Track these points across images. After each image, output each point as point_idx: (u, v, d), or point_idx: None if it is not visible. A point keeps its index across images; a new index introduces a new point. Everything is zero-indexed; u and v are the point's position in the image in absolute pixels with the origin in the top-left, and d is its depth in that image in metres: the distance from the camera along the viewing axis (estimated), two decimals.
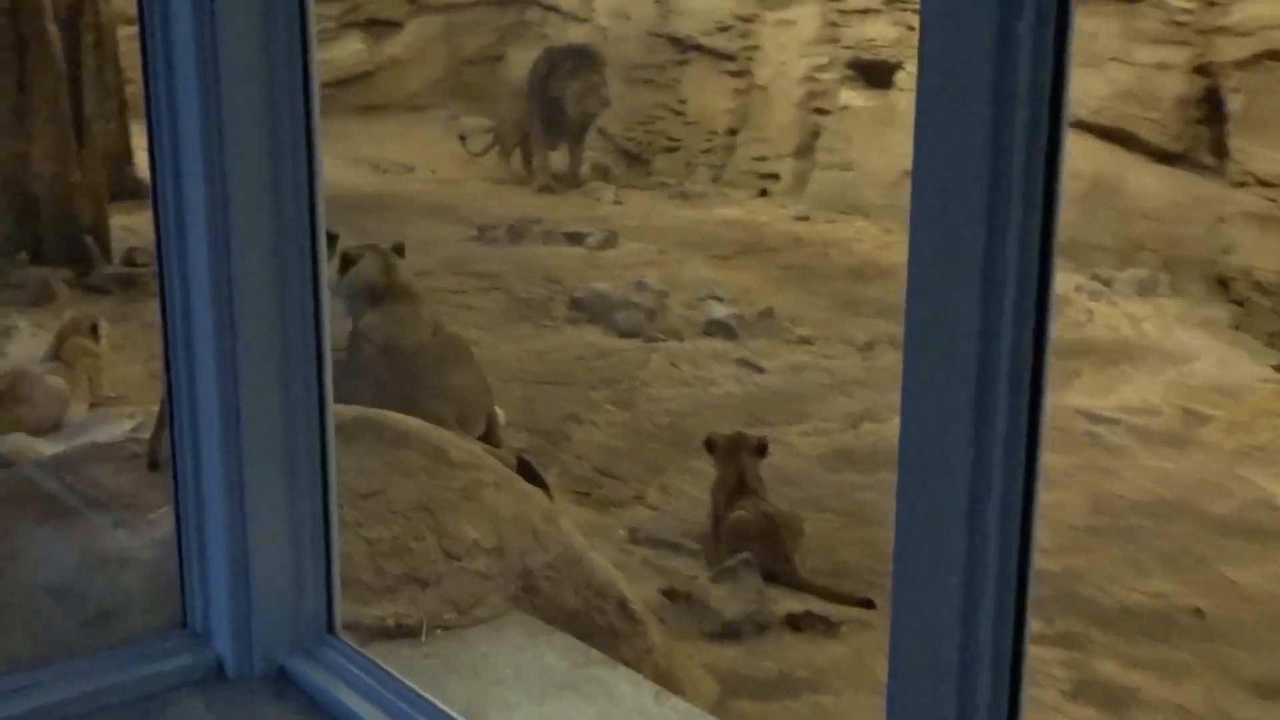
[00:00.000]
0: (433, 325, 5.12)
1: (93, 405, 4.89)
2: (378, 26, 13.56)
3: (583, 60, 10.35)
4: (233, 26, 2.07)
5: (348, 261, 5.47)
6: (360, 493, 2.88)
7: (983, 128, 1.23)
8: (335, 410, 3.40)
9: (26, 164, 6.97)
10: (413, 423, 3.34)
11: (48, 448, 3.82)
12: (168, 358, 2.32)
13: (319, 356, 2.28)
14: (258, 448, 2.25)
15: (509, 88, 11.60)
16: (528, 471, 3.95)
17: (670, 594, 3.95)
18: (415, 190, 10.34)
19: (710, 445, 4.69)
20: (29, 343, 5.51)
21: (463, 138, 11.34)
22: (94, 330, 5.00)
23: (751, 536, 4.26)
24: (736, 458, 4.61)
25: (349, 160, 11.42)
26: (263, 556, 2.30)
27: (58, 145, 6.95)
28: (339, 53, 13.34)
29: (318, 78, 2.17)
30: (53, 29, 6.86)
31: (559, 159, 10.61)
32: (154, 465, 2.84)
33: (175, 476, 2.37)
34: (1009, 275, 1.24)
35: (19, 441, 3.99)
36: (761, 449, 4.71)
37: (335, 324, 5.43)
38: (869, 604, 4.06)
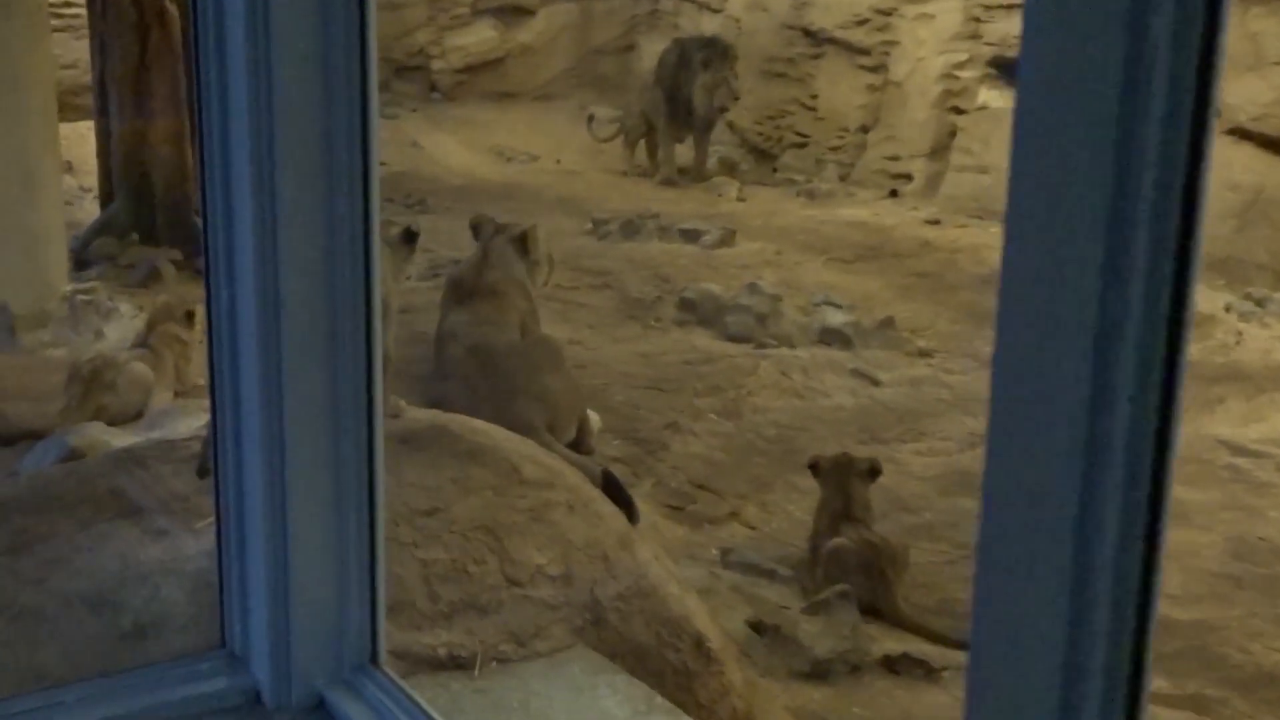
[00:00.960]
0: (521, 326, 4.96)
1: (178, 394, 4.82)
2: (510, 13, 13.51)
3: (712, 52, 10.12)
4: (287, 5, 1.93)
5: (479, 231, 5.36)
6: (420, 510, 2.70)
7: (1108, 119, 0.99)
8: (412, 415, 3.26)
9: (144, 145, 7.03)
10: (494, 434, 3.16)
11: (121, 439, 3.75)
12: (211, 364, 2.19)
13: (369, 363, 2.13)
14: (302, 462, 2.13)
15: (638, 78, 11.43)
16: (612, 487, 3.74)
17: (757, 626, 3.69)
18: (538, 181, 10.23)
19: (815, 467, 4.41)
20: (127, 325, 5.49)
21: (591, 118, 11.18)
22: (190, 316, 4.91)
23: (850, 567, 3.98)
24: (843, 481, 4.33)
25: (476, 148, 11.39)
26: (304, 578, 2.17)
27: (174, 127, 6.99)
28: (470, 38, 13.33)
29: (375, 63, 2.00)
30: (172, 10, 6.90)
31: (685, 152, 10.40)
32: (203, 472, 2.70)
33: (216, 489, 2.24)
34: (1135, 282, 1.01)
35: (95, 433, 3.93)
36: (873, 472, 4.41)
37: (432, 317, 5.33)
38: None
